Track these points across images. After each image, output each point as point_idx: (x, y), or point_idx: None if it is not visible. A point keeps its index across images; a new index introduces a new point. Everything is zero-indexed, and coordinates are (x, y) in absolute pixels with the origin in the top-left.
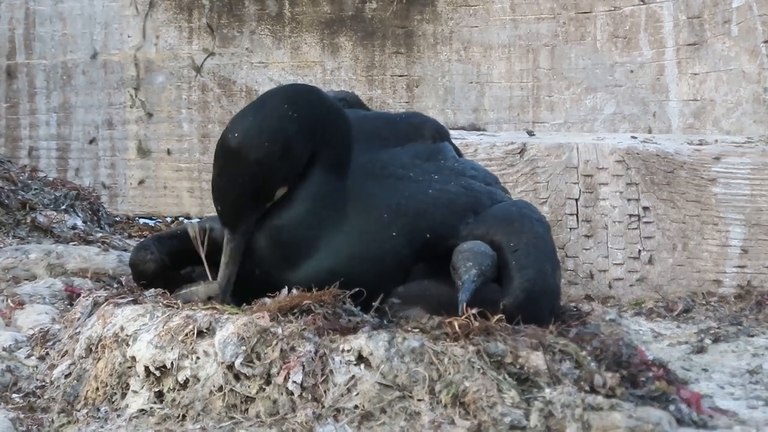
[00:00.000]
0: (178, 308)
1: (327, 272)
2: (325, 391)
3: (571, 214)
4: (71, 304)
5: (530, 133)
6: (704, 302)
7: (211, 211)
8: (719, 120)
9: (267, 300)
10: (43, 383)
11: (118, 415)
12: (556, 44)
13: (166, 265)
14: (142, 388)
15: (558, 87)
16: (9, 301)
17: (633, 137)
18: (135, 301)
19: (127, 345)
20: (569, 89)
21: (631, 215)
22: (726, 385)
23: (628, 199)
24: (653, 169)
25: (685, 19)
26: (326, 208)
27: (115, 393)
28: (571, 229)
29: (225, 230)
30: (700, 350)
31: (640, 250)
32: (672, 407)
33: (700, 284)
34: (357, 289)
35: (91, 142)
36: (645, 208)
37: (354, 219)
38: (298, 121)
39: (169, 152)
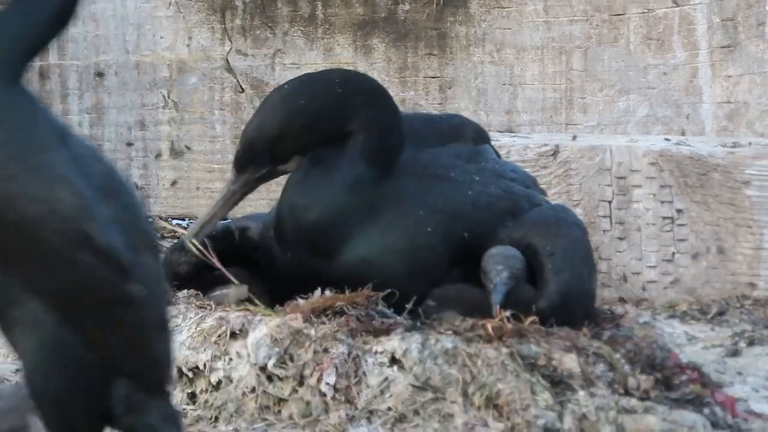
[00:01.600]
0: (211, 309)
1: (359, 261)
2: (358, 393)
3: (605, 217)
4: None
5: (573, 138)
6: (738, 305)
7: (243, 212)
8: (753, 122)
9: (300, 301)
10: None
11: None
12: (589, 46)
13: (200, 266)
14: (175, 389)
15: (591, 89)
16: None
17: (666, 139)
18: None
19: None
20: (602, 91)
21: (664, 218)
22: (760, 388)
23: (662, 202)
24: (687, 171)
25: (719, 22)
26: (360, 197)
27: None
28: (604, 231)
29: (232, 171)
30: (735, 353)
31: (673, 253)
32: (706, 410)
33: (734, 287)
34: (390, 290)
35: (129, 145)
36: (678, 211)
37: (390, 212)
38: (341, 95)
39: (201, 153)
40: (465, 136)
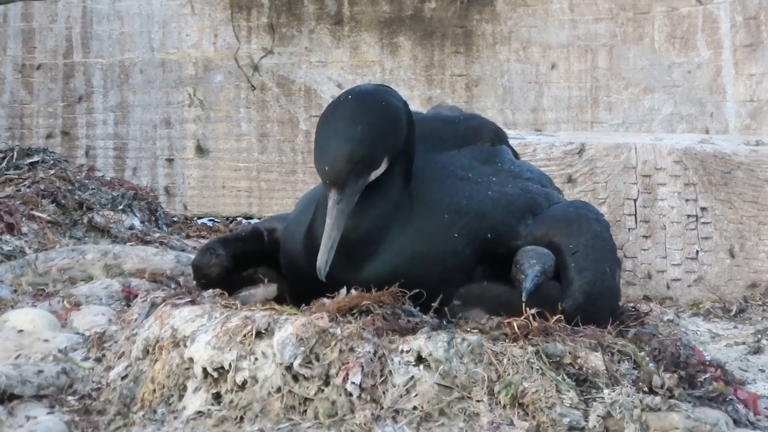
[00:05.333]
0: (236, 309)
1: (390, 273)
2: (384, 392)
3: (630, 215)
4: (128, 305)
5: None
6: (761, 303)
7: (270, 210)
8: None
9: (326, 300)
10: (99, 385)
11: (175, 417)
12: (615, 44)
13: (230, 268)
14: (200, 389)
15: (616, 87)
16: (65, 302)
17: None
18: (193, 302)
19: (185, 346)
20: (627, 89)
21: (689, 216)
22: None
23: (686, 200)
24: (711, 169)
25: (742, 20)
26: (395, 213)
27: (172, 395)
28: (629, 229)
29: (331, 192)
30: (757, 351)
31: (697, 251)
32: (729, 408)
33: (758, 285)
34: (416, 291)
35: (153, 143)
36: (703, 209)
37: (416, 220)
38: (402, 106)
39: (227, 151)
40: (483, 137)
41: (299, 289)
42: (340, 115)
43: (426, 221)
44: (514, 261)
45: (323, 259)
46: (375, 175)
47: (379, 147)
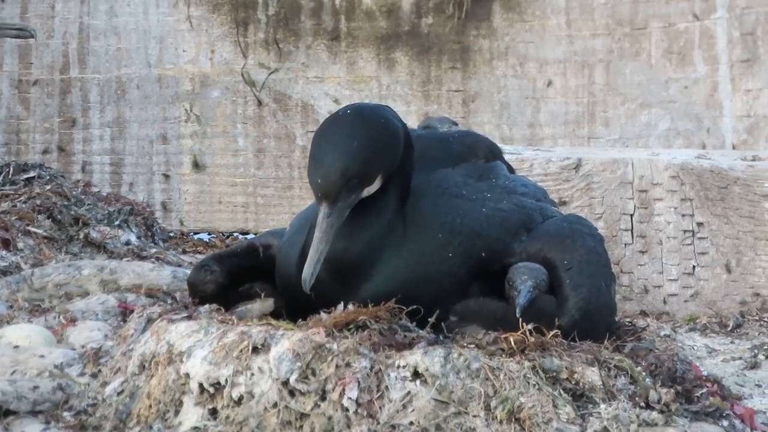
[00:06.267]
0: (232, 324)
1: (384, 294)
2: (380, 408)
3: (626, 230)
4: (124, 321)
5: None
6: (758, 318)
7: (266, 226)
8: None
9: (322, 315)
10: (95, 401)
11: None
12: (611, 60)
13: (225, 284)
14: (196, 405)
15: (613, 102)
16: (61, 317)
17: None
18: (189, 317)
19: (181, 361)
20: (624, 105)
21: (685, 231)
22: None
23: (683, 215)
24: (707, 184)
25: (739, 36)
26: (389, 234)
27: (168, 410)
28: (626, 244)
29: (322, 206)
30: (754, 366)
31: (694, 266)
32: (726, 423)
33: (754, 300)
34: (414, 307)
35: (150, 159)
36: (699, 224)
37: (410, 241)
38: (401, 125)
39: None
40: (477, 154)
41: (295, 308)
42: (338, 129)
43: (420, 242)
44: (507, 279)
45: (309, 271)
46: (368, 191)
47: (375, 163)
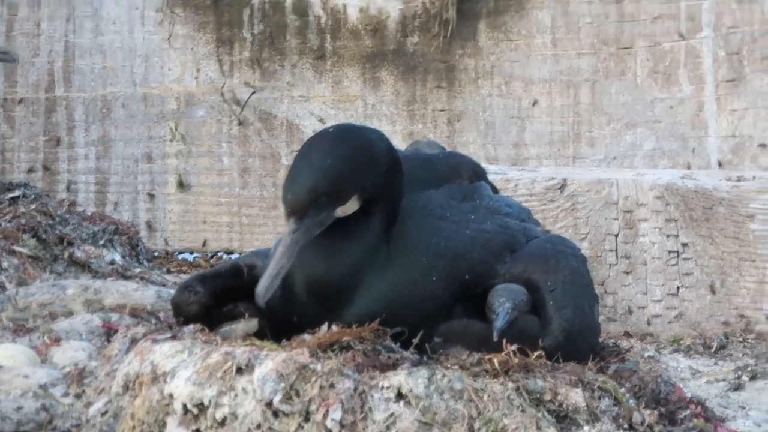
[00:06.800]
0: (216, 344)
1: (368, 318)
2: (364, 429)
3: (611, 250)
4: (108, 341)
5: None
6: (742, 339)
7: (251, 245)
8: (757, 156)
9: (306, 336)
10: (79, 421)
11: None
12: (597, 79)
13: (209, 305)
14: (180, 425)
15: (598, 122)
16: (45, 337)
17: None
18: (173, 338)
19: (165, 382)
20: (609, 125)
21: (670, 251)
22: (762, 422)
23: (667, 236)
24: (692, 205)
25: (724, 55)
26: (372, 257)
27: (152, 431)
28: (610, 265)
29: (289, 221)
30: (738, 387)
31: (678, 287)
32: None
33: (738, 321)
34: (398, 329)
35: (135, 177)
36: (684, 245)
37: (394, 265)
38: (385, 148)
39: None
40: (461, 174)
41: (278, 329)
42: (315, 147)
43: (405, 265)
44: (486, 304)
45: (264, 285)
46: (342, 212)
47: (348, 183)
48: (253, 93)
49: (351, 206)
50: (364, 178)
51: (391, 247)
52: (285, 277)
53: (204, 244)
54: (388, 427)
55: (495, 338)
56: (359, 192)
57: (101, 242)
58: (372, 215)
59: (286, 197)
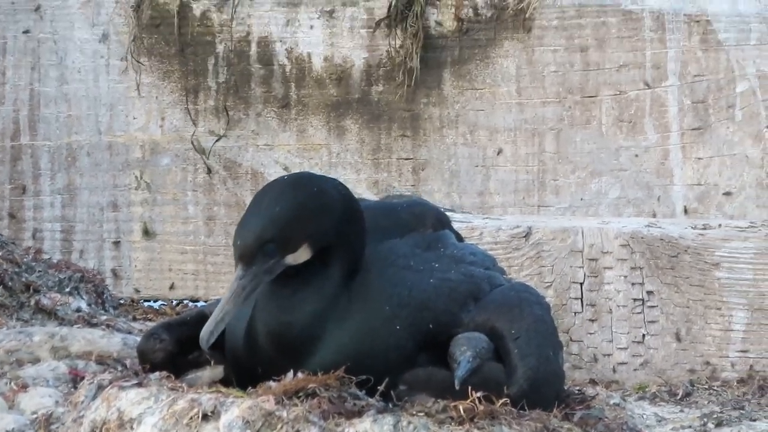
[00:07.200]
0: (183, 391)
1: (330, 368)
2: None
3: (576, 298)
4: (75, 387)
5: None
6: (707, 387)
7: (216, 293)
8: (723, 204)
9: (272, 383)
10: None
11: None
12: (562, 128)
13: (175, 353)
14: None
15: (563, 171)
16: (12, 383)
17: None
18: (139, 385)
19: (132, 428)
20: (574, 173)
21: (635, 299)
22: None
23: (633, 283)
24: (657, 253)
25: (690, 104)
26: (333, 307)
27: None
28: (575, 313)
29: (237, 267)
30: None
31: (644, 335)
32: None
33: (703, 369)
34: (363, 377)
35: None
36: (649, 293)
37: (356, 314)
38: (340, 197)
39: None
40: (425, 223)
41: (244, 378)
42: (267, 194)
43: (366, 315)
44: (448, 354)
45: (208, 329)
46: (294, 260)
47: (297, 230)
48: (218, 140)
49: (302, 255)
50: (314, 226)
51: (352, 297)
52: (247, 329)
53: (170, 289)
54: None
55: (456, 387)
56: (309, 240)
57: (67, 290)
58: (330, 265)
59: (235, 243)
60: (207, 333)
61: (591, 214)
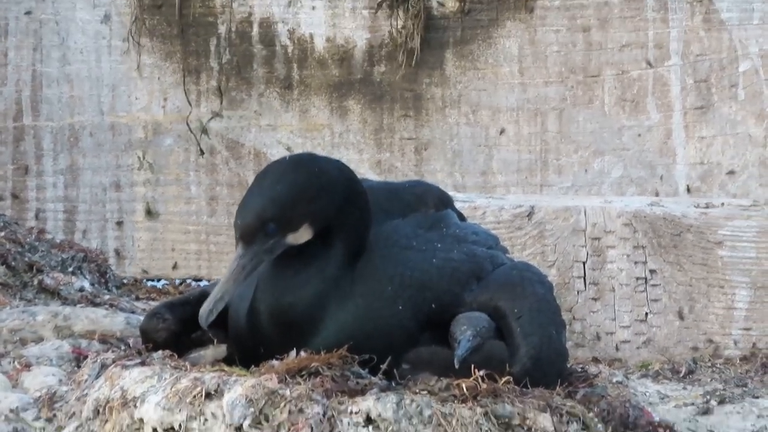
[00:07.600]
0: (186, 370)
1: (333, 348)
2: None
3: (579, 277)
4: (78, 366)
5: None
6: (710, 364)
7: (219, 273)
8: (726, 183)
9: (275, 362)
10: None
11: None
12: (564, 108)
13: (178, 332)
14: None
15: (566, 150)
16: (16, 362)
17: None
18: (143, 363)
19: (135, 407)
20: (577, 153)
21: (638, 278)
22: None
23: (635, 262)
24: (660, 232)
25: (693, 83)
26: (335, 288)
27: None
28: (578, 291)
29: (238, 247)
30: (706, 412)
31: (647, 313)
32: None
33: (706, 346)
34: (366, 356)
35: (103, 206)
36: (652, 271)
37: (359, 295)
38: (342, 178)
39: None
40: (427, 203)
41: (246, 357)
42: (268, 174)
43: (368, 296)
44: (449, 333)
45: (207, 308)
46: (295, 240)
47: (298, 210)
48: (220, 121)
49: (303, 235)
50: (315, 206)
51: (355, 278)
52: (250, 309)
53: (173, 269)
54: None
55: (456, 366)
56: (310, 220)
57: (70, 269)
58: (333, 246)
59: (236, 222)
60: (206, 311)
61: (594, 194)
